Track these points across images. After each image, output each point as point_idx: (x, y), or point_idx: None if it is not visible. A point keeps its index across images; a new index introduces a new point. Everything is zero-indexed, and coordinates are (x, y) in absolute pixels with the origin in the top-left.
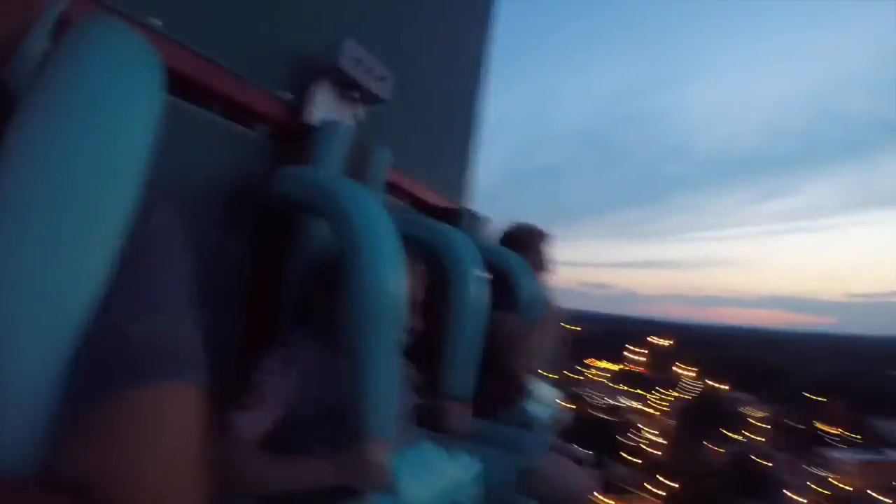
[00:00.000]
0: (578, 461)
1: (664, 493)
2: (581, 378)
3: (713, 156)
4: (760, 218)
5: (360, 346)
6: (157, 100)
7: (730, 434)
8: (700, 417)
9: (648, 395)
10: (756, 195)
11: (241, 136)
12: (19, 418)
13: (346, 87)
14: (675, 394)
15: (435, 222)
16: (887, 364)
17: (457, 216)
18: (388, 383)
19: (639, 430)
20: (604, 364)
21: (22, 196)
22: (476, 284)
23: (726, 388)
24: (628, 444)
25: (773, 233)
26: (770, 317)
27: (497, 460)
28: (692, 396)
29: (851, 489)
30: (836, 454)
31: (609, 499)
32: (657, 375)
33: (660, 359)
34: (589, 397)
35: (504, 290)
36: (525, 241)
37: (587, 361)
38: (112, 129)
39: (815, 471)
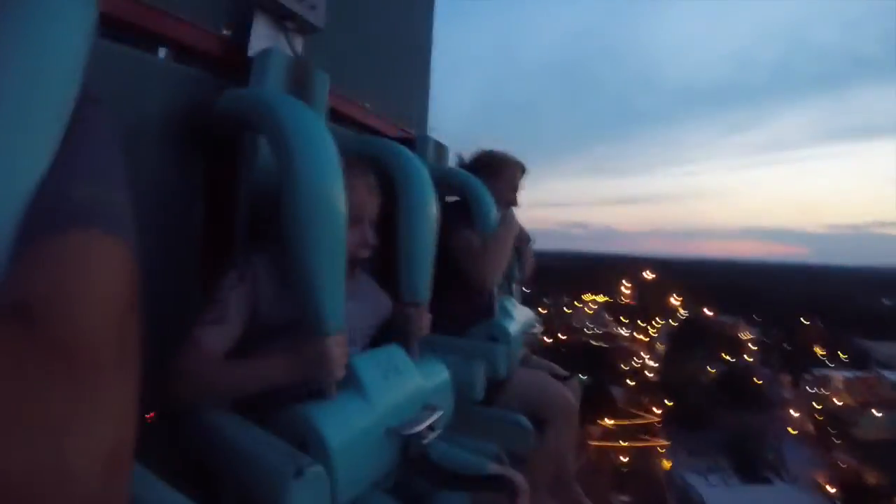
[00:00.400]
0: (556, 377)
1: (660, 411)
2: (571, 312)
3: (683, 86)
4: (733, 151)
5: (301, 248)
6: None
7: (721, 354)
8: (687, 340)
9: (639, 323)
10: (727, 128)
11: (184, 74)
12: None
13: (282, 17)
14: (662, 322)
15: (383, 140)
16: (865, 291)
17: (412, 143)
18: (332, 281)
19: (633, 354)
20: (590, 297)
21: None
22: (423, 189)
23: (711, 313)
24: (624, 369)
25: (746, 166)
26: (749, 248)
27: (464, 367)
28: (679, 322)
29: (841, 404)
30: (824, 371)
31: (609, 419)
32: (644, 305)
33: (646, 290)
34: (586, 328)
35: (464, 211)
36: (494, 168)
37: (581, 296)
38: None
39: (806, 388)
